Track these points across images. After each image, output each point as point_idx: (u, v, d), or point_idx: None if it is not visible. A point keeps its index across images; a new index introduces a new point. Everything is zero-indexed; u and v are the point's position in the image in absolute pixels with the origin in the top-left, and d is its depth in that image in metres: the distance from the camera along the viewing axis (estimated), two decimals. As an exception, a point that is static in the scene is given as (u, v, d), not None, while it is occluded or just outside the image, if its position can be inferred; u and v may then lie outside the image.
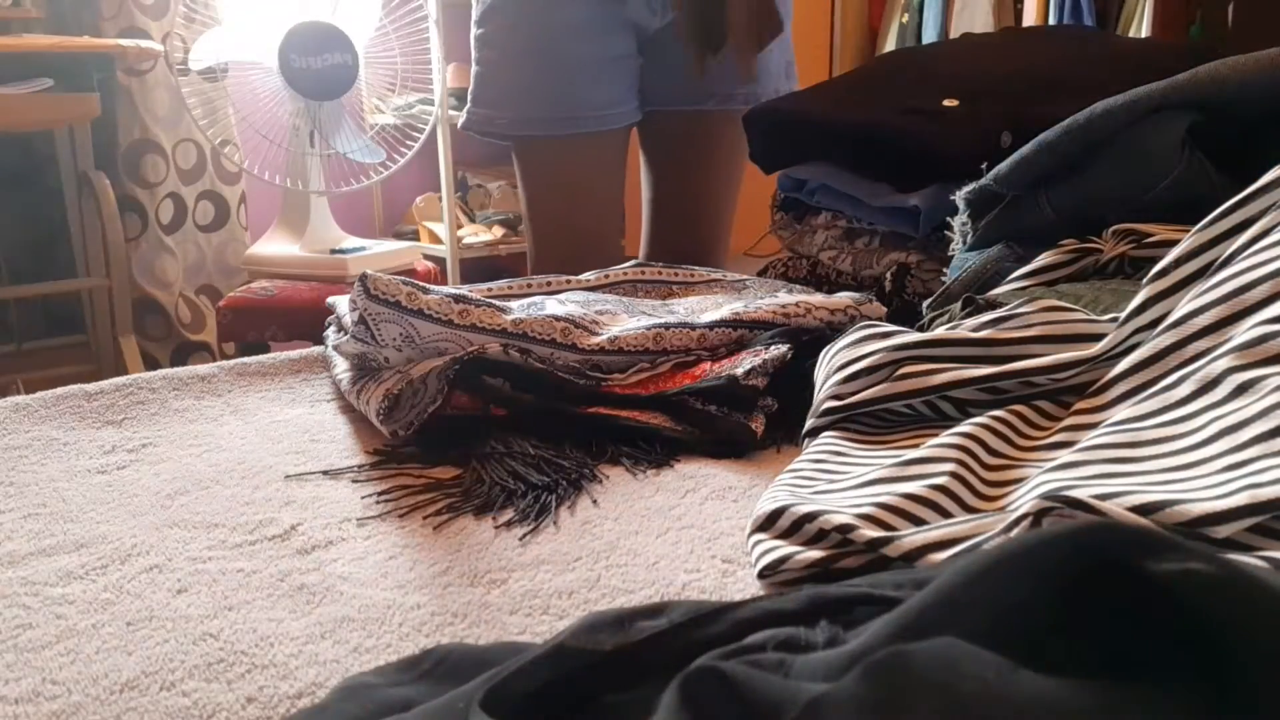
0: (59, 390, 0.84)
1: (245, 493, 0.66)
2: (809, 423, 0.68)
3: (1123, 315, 0.60)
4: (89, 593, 0.53)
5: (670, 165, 1.41)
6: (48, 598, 0.52)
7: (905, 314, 0.94)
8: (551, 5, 1.24)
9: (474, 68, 1.31)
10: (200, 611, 0.50)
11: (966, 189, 0.87)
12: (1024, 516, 0.46)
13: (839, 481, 0.57)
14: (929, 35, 2.94)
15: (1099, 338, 0.61)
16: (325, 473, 0.69)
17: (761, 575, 0.51)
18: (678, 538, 0.57)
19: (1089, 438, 0.52)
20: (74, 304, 2.56)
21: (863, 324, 0.72)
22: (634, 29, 1.29)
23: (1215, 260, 0.57)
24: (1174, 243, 0.61)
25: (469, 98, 1.33)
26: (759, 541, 0.53)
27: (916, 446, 0.58)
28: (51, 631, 0.49)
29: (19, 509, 0.64)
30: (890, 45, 3.09)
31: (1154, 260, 0.62)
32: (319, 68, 2.07)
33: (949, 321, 0.75)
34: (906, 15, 3.03)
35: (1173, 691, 0.24)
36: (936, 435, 0.58)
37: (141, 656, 0.46)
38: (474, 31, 1.30)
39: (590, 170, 1.32)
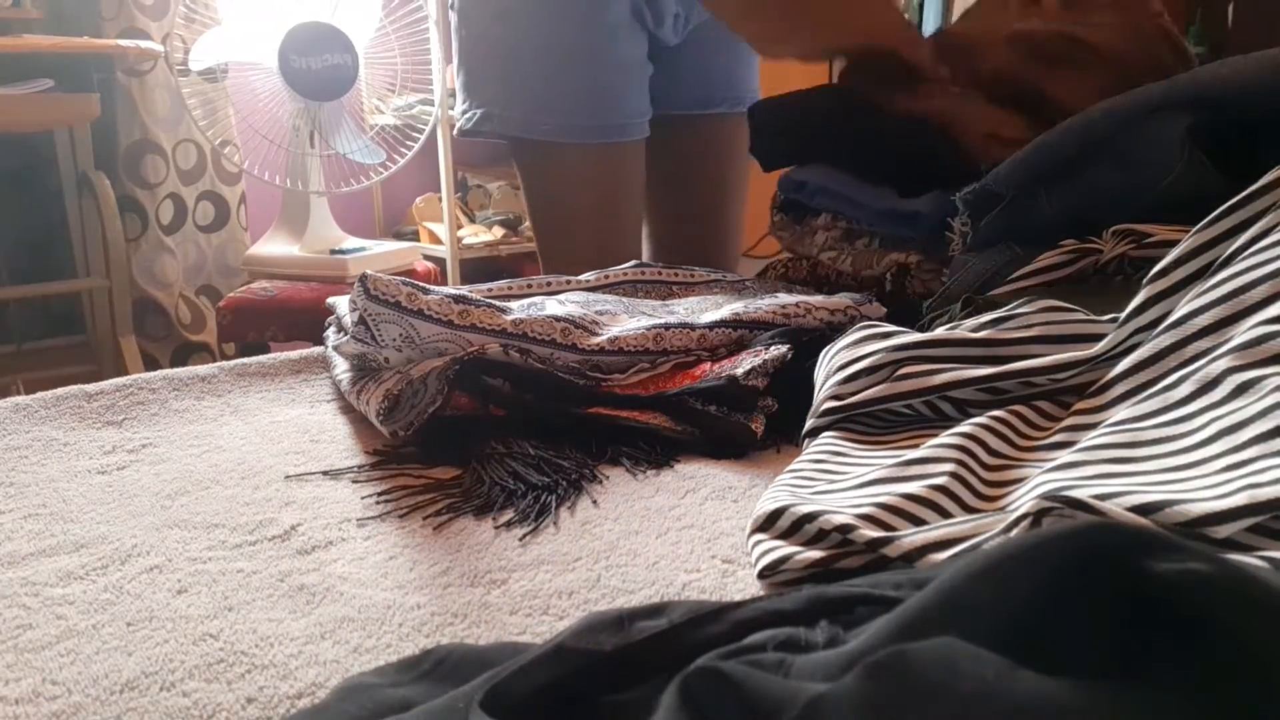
0: (59, 390, 0.84)
1: (245, 493, 0.66)
2: (809, 423, 0.68)
3: (1123, 315, 0.60)
4: (89, 593, 0.53)
5: (682, 168, 1.38)
6: (48, 598, 0.52)
7: (905, 314, 0.94)
8: (595, 5, 1.18)
9: (483, 66, 1.23)
10: (200, 612, 0.50)
11: (966, 189, 0.87)
12: (1024, 516, 0.46)
13: (839, 482, 0.57)
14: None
15: (1099, 338, 0.61)
16: (325, 473, 0.69)
17: (761, 575, 0.51)
18: (678, 538, 0.57)
19: (1089, 438, 0.52)
20: (74, 304, 2.57)
21: (863, 324, 0.72)
22: (651, 38, 1.27)
23: (1215, 260, 0.57)
24: (1174, 243, 0.61)
25: (475, 98, 1.23)
26: (759, 542, 0.53)
27: (916, 447, 0.58)
28: (51, 632, 0.49)
29: (19, 509, 0.64)
30: (890, 45, 3.09)
31: (1154, 260, 0.62)
32: (319, 68, 2.07)
33: (949, 322, 0.75)
34: (906, 15, 3.03)
35: (1173, 691, 0.24)
36: (936, 435, 0.58)
37: (141, 657, 0.46)
38: (490, 27, 1.21)
39: (628, 180, 1.27)
